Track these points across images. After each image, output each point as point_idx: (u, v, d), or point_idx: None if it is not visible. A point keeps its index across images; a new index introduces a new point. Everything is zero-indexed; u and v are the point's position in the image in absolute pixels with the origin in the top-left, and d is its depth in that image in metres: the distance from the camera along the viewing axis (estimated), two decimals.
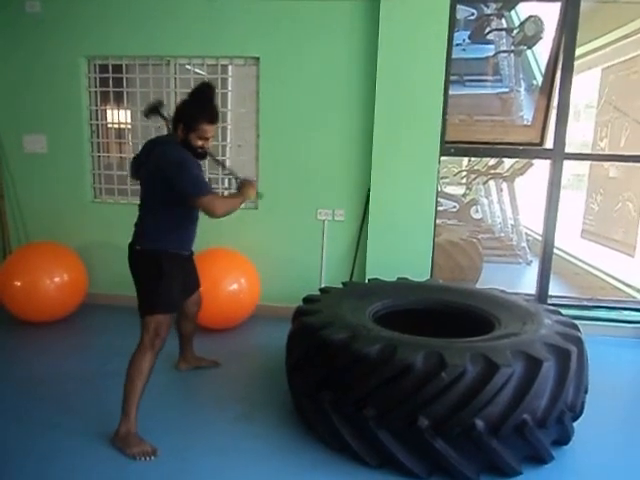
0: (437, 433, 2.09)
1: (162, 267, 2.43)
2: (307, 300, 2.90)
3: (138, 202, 2.56)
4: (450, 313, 2.96)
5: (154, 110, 2.69)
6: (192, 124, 2.42)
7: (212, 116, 2.45)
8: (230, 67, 4.28)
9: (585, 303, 4.24)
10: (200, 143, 2.47)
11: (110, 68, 4.22)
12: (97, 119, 4.34)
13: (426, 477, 2.18)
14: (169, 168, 2.37)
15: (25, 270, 3.73)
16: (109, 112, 4.45)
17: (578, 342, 2.36)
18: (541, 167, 5.43)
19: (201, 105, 2.44)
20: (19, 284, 3.69)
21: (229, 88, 4.28)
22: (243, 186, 2.68)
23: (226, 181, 4.30)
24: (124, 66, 4.22)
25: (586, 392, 2.48)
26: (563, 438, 2.40)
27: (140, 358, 2.38)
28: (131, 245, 2.50)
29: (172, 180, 2.35)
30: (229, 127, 4.35)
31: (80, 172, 4.32)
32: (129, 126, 4.45)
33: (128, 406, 2.36)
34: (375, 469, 2.24)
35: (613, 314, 4.08)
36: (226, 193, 2.77)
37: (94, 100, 4.30)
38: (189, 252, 2.71)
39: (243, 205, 4.24)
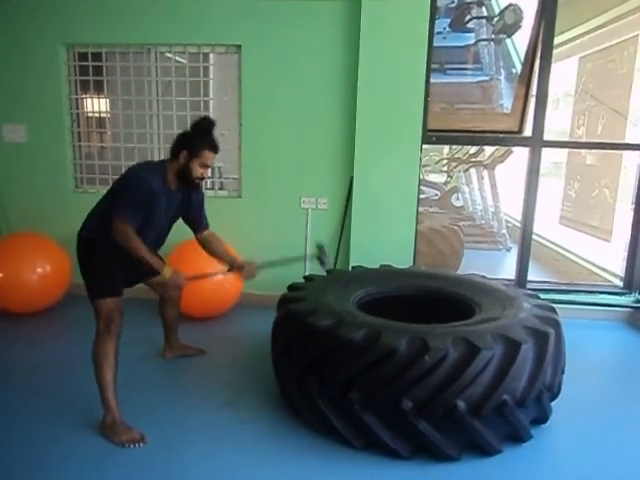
0: (420, 415, 2.15)
1: (101, 252, 2.49)
2: (292, 288, 2.93)
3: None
4: (432, 299, 3.02)
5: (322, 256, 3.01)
6: (196, 151, 2.52)
7: (215, 145, 2.58)
8: (212, 55, 4.26)
9: (563, 287, 4.35)
10: (201, 171, 2.57)
11: (90, 56, 4.17)
12: (77, 108, 4.29)
13: (410, 457, 2.25)
14: (123, 186, 2.48)
15: (7, 261, 3.70)
16: (89, 101, 4.40)
17: (556, 325, 2.44)
18: (521, 155, 5.51)
19: (205, 134, 2.57)
20: (1, 275, 3.66)
21: (211, 76, 4.26)
22: (174, 274, 2.59)
23: (209, 183, 4.29)
24: (104, 54, 4.17)
25: (563, 373, 2.56)
26: (541, 417, 2.49)
27: (101, 346, 2.41)
28: (79, 232, 2.57)
29: (117, 192, 2.48)
30: (212, 116, 4.32)
31: (61, 162, 4.28)
32: (109, 115, 4.41)
33: (105, 396, 2.39)
34: (360, 451, 2.29)
35: (590, 298, 4.19)
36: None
37: (74, 89, 4.24)
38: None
39: (226, 194, 4.31)
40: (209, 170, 2.66)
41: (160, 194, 2.50)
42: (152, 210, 2.49)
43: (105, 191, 2.63)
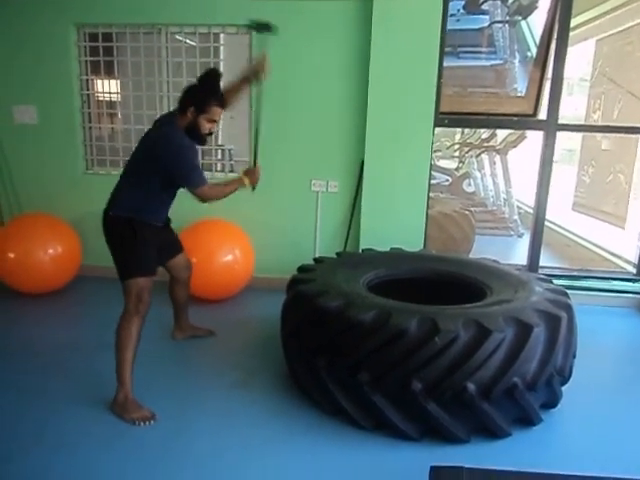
0: (430, 396, 2.14)
1: (135, 231, 2.47)
2: (302, 269, 2.92)
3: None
4: (443, 282, 3.01)
5: (263, 27, 2.92)
6: (204, 106, 2.47)
7: (222, 99, 2.54)
8: (222, 36, 4.22)
9: (575, 274, 4.30)
10: (209, 126, 2.54)
11: (100, 37, 4.15)
12: (88, 89, 4.28)
13: (419, 438, 2.24)
14: (167, 154, 2.44)
15: (19, 242, 3.72)
16: (100, 82, 4.39)
17: (568, 308, 2.41)
18: (534, 140, 5.44)
19: (212, 88, 2.52)
20: (13, 256, 3.69)
21: (221, 57, 4.22)
22: (247, 173, 2.78)
23: (219, 165, 4.28)
24: (114, 34, 4.15)
25: (574, 357, 2.54)
26: (552, 401, 2.47)
27: (127, 324, 2.42)
28: (106, 211, 2.53)
29: (169, 167, 2.45)
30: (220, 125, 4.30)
31: (71, 143, 4.28)
32: (120, 96, 4.40)
33: (121, 373, 2.40)
34: (369, 431, 2.30)
35: (602, 284, 4.15)
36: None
37: (84, 70, 4.23)
38: (162, 223, 2.72)
39: (236, 176, 4.28)
40: (216, 126, 2.62)
41: (192, 144, 2.53)
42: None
43: (123, 169, 2.61)
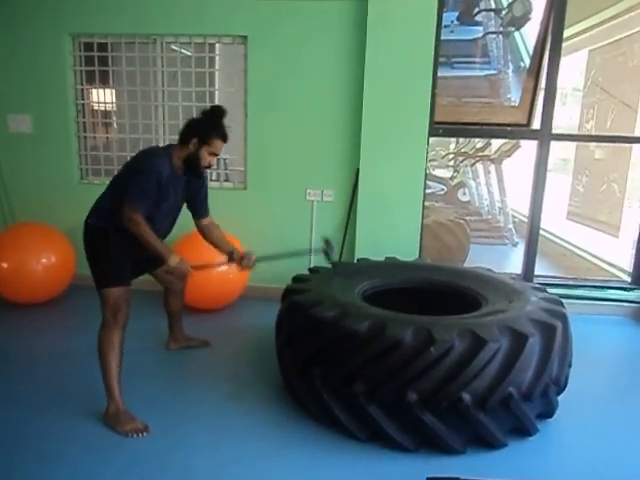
0: (425, 407, 2.13)
1: (109, 240, 2.47)
2: (297, 279, 2.92)
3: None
4: (438, 292, 3.00)
5: (329, 249, 2.92)
6: (208, 139, 2.51)
7: (225, 135, 2.58)
8: (217, 46, 4.24)
9: (570, 282, 4.31)
10: (209, 159, 2.57)
11: (95, 46, 4.16)
12: (83, 98, 4.28)
13: (415, 449, 2.23)
14: (132, 171, 2.47)
15: (13, 251, 3.70)
16: (95, 92, 4.39)
17: (563, 318, 2.41)
18: (528, 149, 5.47)
19: (216, 123, 2.56)
20: (6, 265, 3.66)
21: (216, 67, 4.23)
22: (180, 261, 2.55)
23: (214, 174, 4.28)
24: (109, 44, 4.16)
25: (570, 366, 2.53)
26: (547, 411, 2.46)
27: (107, 336, 2.40)
28: (85, 220, 2.55)
29: (129, 177, 2.46)
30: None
31: (66, 152, 4.27)
32: (115, 106, 4.40)
33: (109, 385, 2.39)
34: (365, 443, 2.28)
35: (597, 293, 4.16)
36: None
37: (79, 79, 4.23)
38: None
39: (231, 185, 4.30)
40: (215, 159, 2.65)
41: (169, 180, 2.49)
42: (161, 196, 2.48)
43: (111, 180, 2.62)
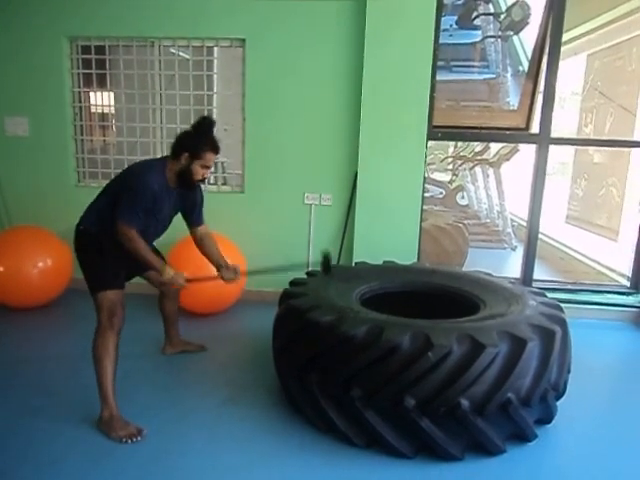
0: (423, 413, 2.11)
1: (101, 244, 2.46)
2: (294, 283, 2.90)
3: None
4: (436, 295, 2.98)
5: (328, 263, 2.81)
6: (198, 153, 2.50)
7: (216, 146, 2.56)
8: (216, 49, 4.23)
9: (569, 287, 4.30)
10: (202, 172, 2.55)
11: (93, 49, 4.15)
12: (80, 101, 4.26)
13: (412, 456, 2.20)
14: (125, 186, 2.45)
15: (8, 255, 3.68)
16: (92, 95, 4.38)
17: (562, 323, 2.39)
18: (527, 153, 5.46)
19: (206, 136, 2.54)
20: (2, 269, 3.64)
21: (214, 70, 4.22)
22: (176, 274, 2.60)
23: (212, 178, 4.28)
24: (107, 47, 4.15)
25: (569, 372, 2.51)
26: (546, 417, 2.44)
27: (102, 340, 2.38)
28: (77, 225, 2.54)
29: (118, 192, 2.45)
30: (215, 110, 4.30)
31: (63, 155, 4.25)
32: (112, 109, 4.39)
33: (103, 390, 2.36)
34: (362, 449, 2.26)
35: (596, 297, 4.14)
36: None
37: (77, 82, 4.22)
38: None
39: (229, 189, 4.28)
40: (209, 171, 2.63)
41: (161, 194, 2.49)
42: (153, 210, 2.49)
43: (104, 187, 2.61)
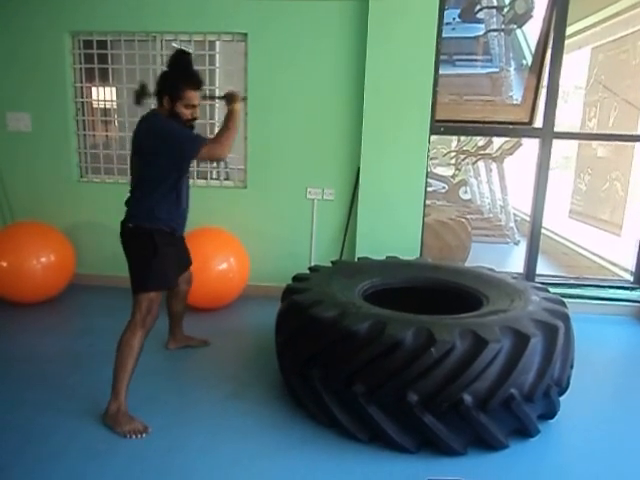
0: (426, 408, 2.11)
1: (156, 244, 2.42)
2: (297, 278, 2.89)
3: (126, 181, 2.54)
4: (439, 291, 2.98)
5: (142, 94, 2.56)
6: (177, 93, 2.36)
7: (196, 82, 2.40)
8: (218, 43, 4.21)
9: (572, 282, 4.28)
10: (188, 112, 2.42)
11: (95, 44, 4.13)
12: (82, 96, 4.25)
13: (415, 451, 2.21)
14: (159, 137, 2.34)
15: (11, 250, 3.68)
16: (94, 89, 4.37)
17: (565, 318, 2.39)
18: (530, 148, 5.44)
19: (182, 72, 2.39)
20: (5, 265, 3.64)
21: (217, 65, 4.21)
22: (229, 101, 2.51)
23: (214, 173, 4.26)
24: (109, 42, 4.13)
25: (572, 367, 2.51)
26: (549, 412, 2.44)
27: (132, 336, 2.37)
28: (123, 223, 2.48)
29: (168, 146, 2.33)
30: (217, 105, 4.29)
31: (66, 151, 4.25)
32: (115, 104, 4.38)
33: (118, 385, 2.36)
34: (365, 444, 2.26)
35: (600, 292, 4.13)
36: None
37: (79, 77, 4.21)
38: (181, 231, 2.68)
39: (231, 184, 4.27)
40: (197, 109, 2.46)
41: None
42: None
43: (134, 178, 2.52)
